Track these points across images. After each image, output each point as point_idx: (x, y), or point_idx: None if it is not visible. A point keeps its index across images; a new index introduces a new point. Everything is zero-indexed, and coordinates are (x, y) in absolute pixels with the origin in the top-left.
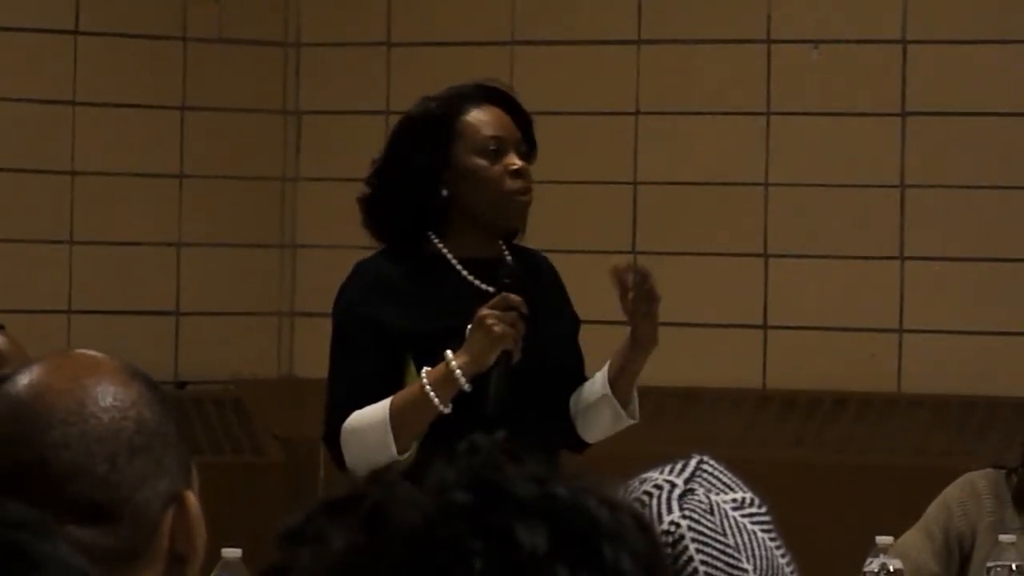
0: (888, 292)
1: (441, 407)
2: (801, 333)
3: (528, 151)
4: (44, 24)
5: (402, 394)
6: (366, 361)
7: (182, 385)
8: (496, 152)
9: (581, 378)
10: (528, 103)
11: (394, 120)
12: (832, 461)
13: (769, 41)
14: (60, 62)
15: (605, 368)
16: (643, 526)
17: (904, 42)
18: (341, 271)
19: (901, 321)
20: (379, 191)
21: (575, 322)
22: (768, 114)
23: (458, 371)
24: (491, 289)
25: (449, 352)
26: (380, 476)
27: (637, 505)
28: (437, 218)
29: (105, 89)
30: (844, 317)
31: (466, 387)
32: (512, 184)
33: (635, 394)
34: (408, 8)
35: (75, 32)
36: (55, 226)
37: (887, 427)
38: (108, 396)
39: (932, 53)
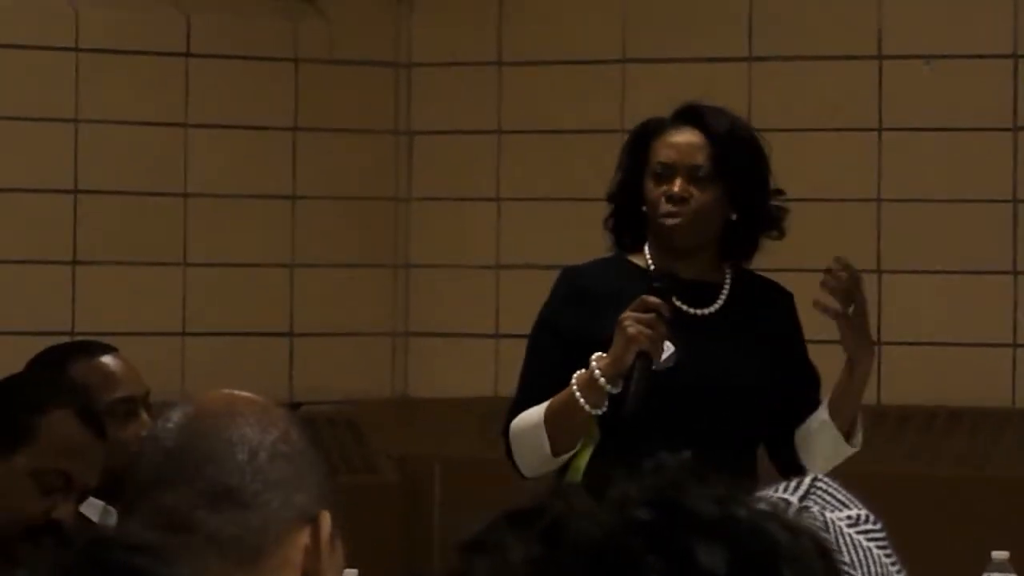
0: (1002, 306)
1: (588, 408)
2: (915, 348)
3: (706, 175)
4: (156, 47)
5: (557, 397)
6: (543, 363)
7: (296, 406)
8: (661, 176)
9: (785, 418)
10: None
11: (505, 139)
12: (947, 476)
13: (881, 57)
14: (172, 85)
15: (825, 401)
16: (823, 551)
17: (1016, 56)
18: (454, 290)
19: (1015, 335)
20: (611, 200)
21: (797, 365)
22: (880, 130)
23: (597, 371)
24: (693, 310)
25: (595, 355)
26: (561, 489)
27: (818, 530)
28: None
29: (217, 111)
30: (958, 332)
31: (609, 388)
32: (663, 207)
33: (859, 421)
34: (519, 27)
35: (187, 55)
36: (168, 248)
37: (1002, 441)
38: (257, 406)
39: None
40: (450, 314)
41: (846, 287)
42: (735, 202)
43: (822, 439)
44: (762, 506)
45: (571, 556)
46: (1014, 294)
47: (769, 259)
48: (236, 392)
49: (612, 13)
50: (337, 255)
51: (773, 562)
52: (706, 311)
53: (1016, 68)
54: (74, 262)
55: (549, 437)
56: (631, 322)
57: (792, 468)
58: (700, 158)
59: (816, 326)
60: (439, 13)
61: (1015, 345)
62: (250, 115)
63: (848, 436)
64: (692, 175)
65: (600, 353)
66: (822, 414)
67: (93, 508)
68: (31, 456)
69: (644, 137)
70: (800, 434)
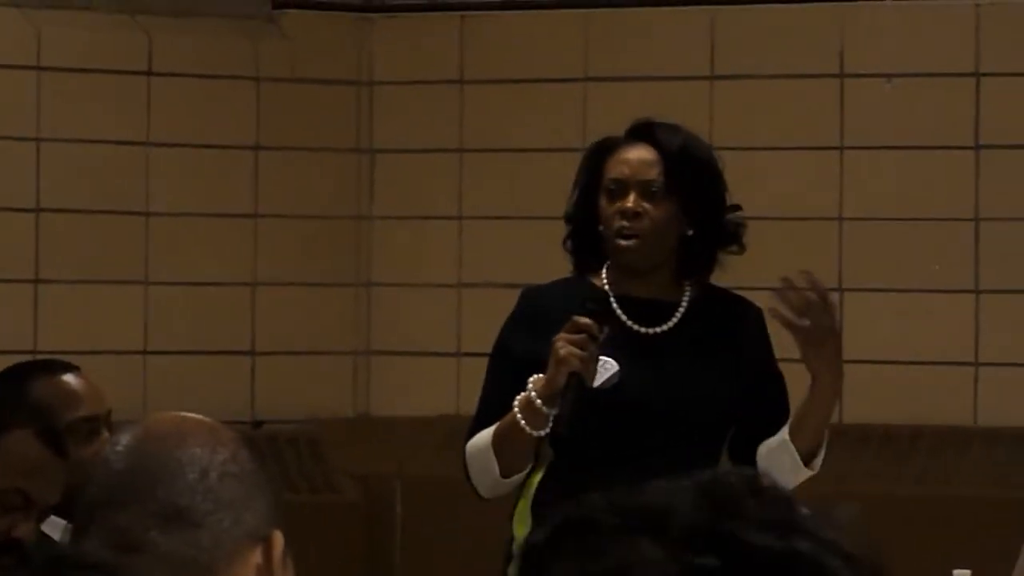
0: (964, 325)
1: (529, 430)
2: (877, 367)
3: (659, 191)
4: (118, 66)
5: (503, 420)
6: (497, 385)
7: (258, 424)
8: (614, 192)
9: (752, 432)
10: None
11: (467, 157)
12: (908, 495)
13: (842, 75)
14: (134, 103)
15: (790, 418)
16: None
17: (977, 75)
18: (416, 309)
19: (977, 354)
20: (568, 221)
21: (763, 377)
22: (842, 148)
23: (534, 394)
24: (645, 330)
25: (532, 377)
26: (625, 510)
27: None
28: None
29: (179, 130)
30: (919, 350)
31: (546, 410)
32: (617, 223)
33: (822, 444)
34: (480, 45)
35: (148, 73)
36: (130, 267)
37: (963, 460)
38: (206, 427)
39: (1005, 86)
40: (412, 332)
41: (802, 302)
42: (690, 218)
43: (781, 458)
44: (823, 535)
45: None
46: (975, 312)
47: (731, 276)
48: (185, 414)
49: (574, 32)
50: (299, 274)
51: None
52: (659, 329)
53: (978, 86)
54: (36, 280)
55: (497, 459)
56: (562, 343)
57: None
58: (653, 173)
59: (787, 345)
60: (400, 31)
61: (977, 364)
62: (212, 134)
63: (809, 458)
64: (645, 190)
65: (538, 375)
66: (783, 433)
67: (55, 527)
68: None
69: (598, 155)
70: (761, 450)
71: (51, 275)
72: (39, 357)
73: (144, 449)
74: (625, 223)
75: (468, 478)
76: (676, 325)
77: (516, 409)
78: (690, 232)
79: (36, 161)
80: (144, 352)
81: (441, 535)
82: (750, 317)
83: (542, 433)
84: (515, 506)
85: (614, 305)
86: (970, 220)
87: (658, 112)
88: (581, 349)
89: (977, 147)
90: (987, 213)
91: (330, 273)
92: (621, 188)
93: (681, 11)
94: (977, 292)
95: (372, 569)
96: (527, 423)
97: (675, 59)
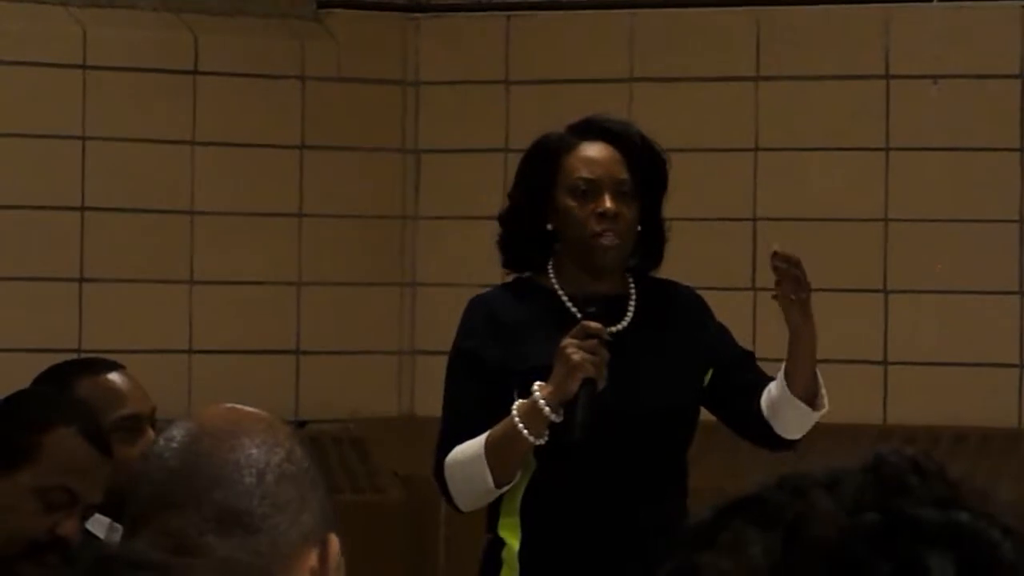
0: (1008, 326)
1: (531, 438)
2: (921, 368)
3: (648, 190)
4: (164, 65)
5: (497, 427)
6: (470, 397)
7: (302, 424)
8: (586, 193)
9: (737, 401)
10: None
11: (512, 158)
12: None
13: (888, 77)
14: (180, 103)
15: (782, 370)
16: None
17: (1023, 76)
18: (460, 309)
19: (1021, 355)
20: (502, 223)
21: (725, 349)
22: (887, 149)
23: (542, 401)
24: (609, 329)
25: (536, 384)
26: (795, 483)
27: None
28: (551, 253)
29: (224, 129)
30: (964, 352)
31: (553, 417)
32: (595, 227)
33: (818, 383)
34: (526, 46)
35: (194, 72)
36: (175, 266)
37: (1008, 462)
38: (262, 425)
39: None
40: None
41: (795, 274)
42: (643, 214)
43: (790, 413)
44: (983, 509)
45: (809, 556)
46: (1020, 314)
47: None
48: (239, 407)
49: (620, 32)
50: (344, 273)
51: (996, 570)
52: (620, 327)
53: (1023, 88)
54: (81, 279)
55: (491, 469)
56: (574, 349)
57: (772, 440)
58: (624, 173)
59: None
60: (447, 31)
61: (1022, 366)
62: (257, 133)
63: (813, 400)
64: (618, 191)
65: (540, 383)
66: (782, 391)
67: (99, 525)
68: (34, 474)
69: (552, 153)
70: (767, 411)
71: (96, 274)
72: (84, 356)
73: (199, 448)
74: (605, 226)
75: (444, 491)
76: (633, 320)
77: (516, 417)
78: (639, 228)
79: (81, 160)
80: (189, 351)
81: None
82: (695, 301)
83: (541, 441)
84: (491, 515)
85: (568, 305)
86: (1015, 222)
87: (704, 112)
88: (593, 354)
89: (1023, 149)
90: None
91: (375, 273)
92: (593, 188)
93: (727, 12)
94: (1022, 293)
95: (416, 568)
96: (529, 431)
97: (720, 59)
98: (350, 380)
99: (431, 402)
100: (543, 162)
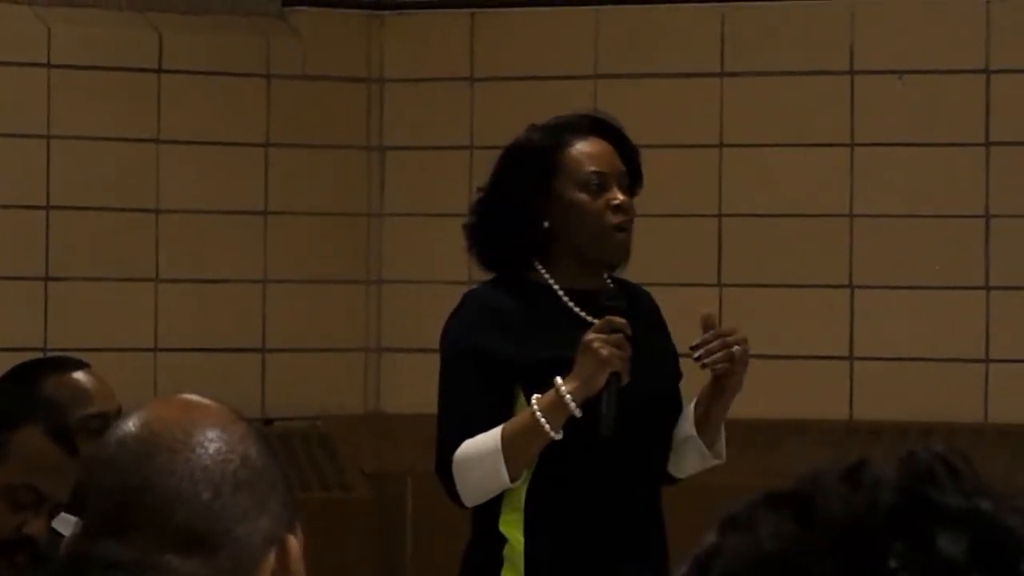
0: (974, 321)
1: (552, 434)
2: (887, 364)
3: (632, 184)
4: (128, 63)
5: (513, 422)
6: (475, 392)
7: (269, 422)
8: (598, 187)
9: (679, 411)
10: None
11: (477, 155)
12: None
13: (853, 72)
14: (144, 100)
15: (691, 407)
16: None
17: (988, 71)
18: (427, 306)
19: (987, 351)
20: (483, 220)
21: (675, 356)
22: (852, 145)
23: (568, 396)
24: (595, 320)
25: (559, 379)
26: (820, 474)
27: None
28: (541, 248)
29: (189, 127)
30: (930, 347)
31: (577, 413)
32: (613, 219)
33: (722, 435)
34: (491, 42)
35: (159, 70)
36: (141, 264)
37: (974, 457)
38: (215, 430)
39: (1016, 82)
40: (422, 329)
41: (722, 350)
42: None
43: (691, 456)
44: (1008, 500)
45: (817, 533)
46: (986, 309)
47: (739, 273)
48: (192, 402)
49: (584, 29)
50: (309, 270)
51: (1012, 554)
52: None
53: (988, 83)
54: (46, 278)
55: (507, 463)
56: (601, 344)
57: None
58: (623, 166)
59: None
60: (411, 29)
61: (987, 360)
62: (222, 131)
63: (710, 446)
64: (622, 183)
65: (561, 378)
66: (687, 429)
67: (66, 524)
68: (1, 473)
69: (546, 150)
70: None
71: (61, 272)
72: (49, 354)
73: (153, 465)
74: (622, 217)
75: (449, 486)
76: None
77: (538, 411)
78: None
79: (46, 158)
80: (155, 349)
81: (452, 531)
82: (652, 301)
83: (559, 436)
84: (486, 512)
85: (566, 300)
86: (981, 217)
87: (669, 109)
88: (619, 348)
89: (988, 144)
90: (997, 210)
91: (341, 270)
92: (604, 181)
93: (691, 8)
94: (988, 289)
95: (383, 565)
96: (551, 426)
97: (685, 56)
98: (316, 377)
99: (398, 399)
100: (538, 159)
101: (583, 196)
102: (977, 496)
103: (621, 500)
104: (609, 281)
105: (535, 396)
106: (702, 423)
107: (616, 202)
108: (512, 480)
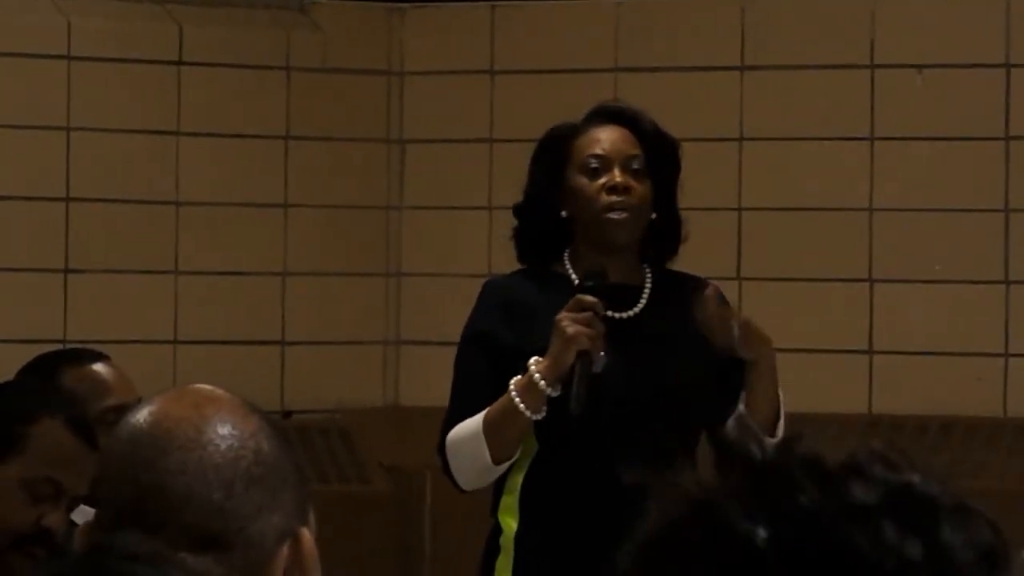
0: (993, 316)
1: (528, 414)
2: (907, 358)
3: (660, 171)
4: (148, 55)
5: (495, 404)
6: (479, 377)
7: (288, 414)
8: (596, 170)
9: (709, 402)
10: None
11: (497, 148)
12: None
13: (873, 66)
14: (164, 93)
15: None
16: (994, 528)
17: (1008, 66)
18: (446, 299)
19: (1007, 345)
20: (515, 213)
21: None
22: (872, 139)
23: (537, 375)
24: (616, 315)
25: (533, 359)
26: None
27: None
28: (569, 238)
29: (209, 119)
30: (949, 341)
31: (550, 392)
32: (605, 199)
33: (779, 414)
34: (511, 36)
35: (179, 63)
36: (160, 256)
37: (994, 451)
38: (227, 426)
39: None
40: (442, 322)
41: (718, 323)
42: (657, 202)
43: None
44: (945, 485)
45: (737, 478)
46: (1006, 303)
47: (760, 268)
48: (204, 397)
49: (605, 22)
50: (329, 263)
51: (933, 514)
52: (628, 314)
53: (1008, 77)
54: (66, 270)
55: (488, 445)
56: (568, 322)
57: None
58: (635, 150)
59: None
60: (431, 22)
61: (1007, 355)
62: (242, 123)
63: (772, 430)
64: (628, 166)
65: (537, 357)
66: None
67: (85, 516)
68: (21, 465)
69: (562, 139)
70: None
71: (81, 264)
72: (69, 346)
73: (166, 464)
74: (616, 197)
75: (447, 470)
76: (644, 309)
77: (514, 392)
78: (654, 216)
79: (66, 150)
80: (174, 342)
81: (471, 524)
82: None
83: (539, 416)
84: (495, 500)
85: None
86: (1000, 211)
87: (689, 102)
88: (588, 327)
89: (1007, 138)
90: (1017, 204)
91: (360, 263)
92: (604, 164)
93: (712, 1)
94: (1007, 283)
95: (402, 559)
96: (526, 406)
97: (706, 49)
98: (335, 370)
99: (417, 392)
100: (554, 149)
101: (583, 180)
102: (906, 471)
103: (620, 491)
104: (648, 273)
105: (515, 378)
106: (751, 408)
107: (611, 184)
108: (496, 462)
